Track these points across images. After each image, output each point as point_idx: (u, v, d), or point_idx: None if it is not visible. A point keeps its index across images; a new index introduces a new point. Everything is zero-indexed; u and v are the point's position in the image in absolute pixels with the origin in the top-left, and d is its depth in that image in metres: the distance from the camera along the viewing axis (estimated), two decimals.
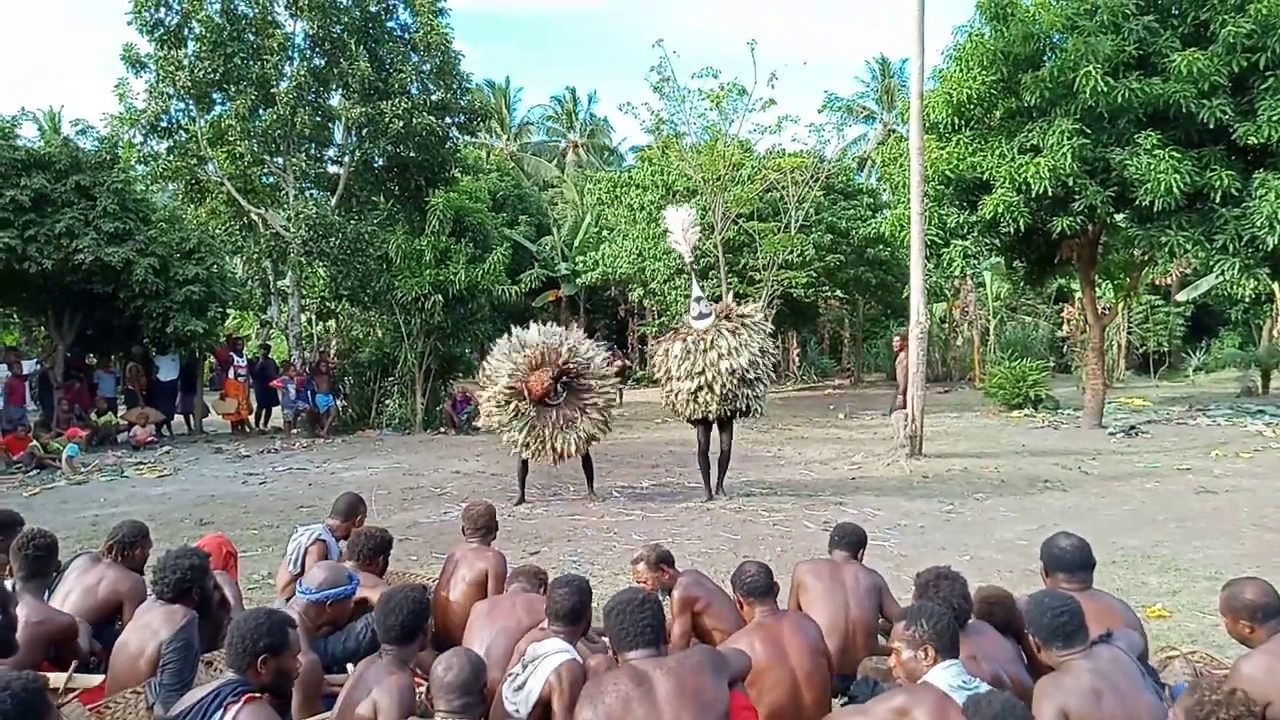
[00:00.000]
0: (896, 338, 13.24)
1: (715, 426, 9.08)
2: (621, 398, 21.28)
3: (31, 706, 2.23)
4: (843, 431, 15.35)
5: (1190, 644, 4.40)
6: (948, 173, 13.68)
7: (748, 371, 8.57)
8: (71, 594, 3.91)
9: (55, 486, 10.86)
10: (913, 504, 8.92)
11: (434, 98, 17.50)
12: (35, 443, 12.28)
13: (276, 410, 17.19)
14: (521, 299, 22.85)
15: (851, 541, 4.25)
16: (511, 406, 8.66)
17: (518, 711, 3.05)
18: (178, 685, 3.02)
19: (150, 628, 3.30)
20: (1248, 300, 23.78)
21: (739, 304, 9.71)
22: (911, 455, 11.66)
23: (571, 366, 8.76)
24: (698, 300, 8.95)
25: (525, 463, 9.09)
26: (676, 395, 8.84)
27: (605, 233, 26.49)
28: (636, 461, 12.01)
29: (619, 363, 22.71)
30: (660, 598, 3.89)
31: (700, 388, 8.62)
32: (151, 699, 3.07)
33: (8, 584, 3.66)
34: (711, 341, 8.59)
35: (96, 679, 3.38)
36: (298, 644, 2.86)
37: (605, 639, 3.23)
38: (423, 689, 3.16)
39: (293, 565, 4.58)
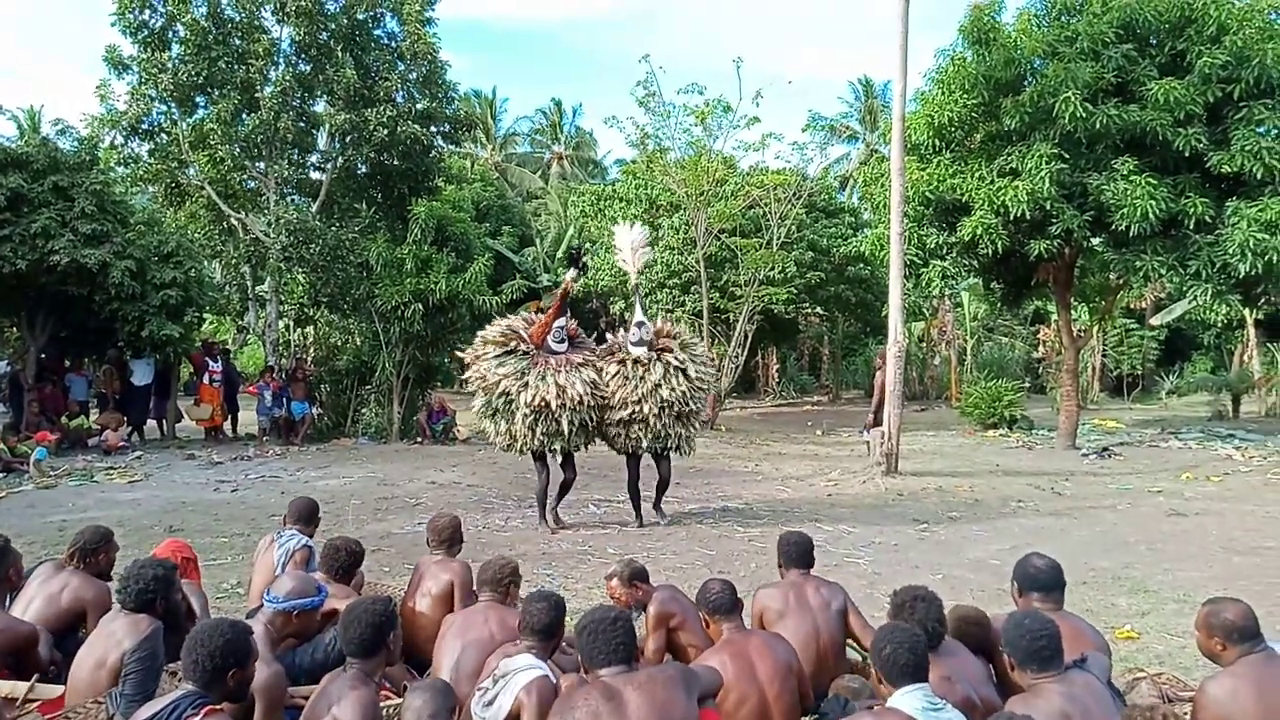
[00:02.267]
0: (879, 356, 13.31)
1: (651, 457, 8.66)
2: None
3: None
4: (820, 448, 15.40)
5: (1158, 666, 4.45)
6: (928, 194, 13.83)
7: (684, 405, 8.19)
8: (34, 602, 3.84)
9: (22, 490, 10.67)
10: (887, 522, 8.96)
11: (419, 106, 17.47)
12: (2, 445, 12.08)
13: (246, 416, 17.03)
14: (503, 309, 22.74)
15: (801, 554, 4.12)
16: (507, 348, 8.19)
17: None
18: (139, 696, 2.97)
19: (114, 637, 3.25)
20: (1220, 326, 24.22)
21: (672, 325, 9.12)
22: (887, 473, 11.71)
23: (575, 332, 8.61)
24: (639, 325, 8.37)
25: (545, 483, 8.52)
26: (607, 425, 8.36)
27: (588, 245, 26.51)
28: (614, 475, 11.94)
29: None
30: (634, 614, 3.87)
31: (634, 419, 8.17)
32: (112, 709, 3.02)
33: None
34: (648, 369, 8.13)
35: (57, 690, 3.31)
36: (256, 650, 2.84)
37: (576, 654, 3.22)
38: (390, 703, 3.13)
39: (280, 570, 4.50)
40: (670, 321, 9.46)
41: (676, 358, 8.24)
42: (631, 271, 9.08)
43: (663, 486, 8.92)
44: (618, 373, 8.22)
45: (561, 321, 8.32)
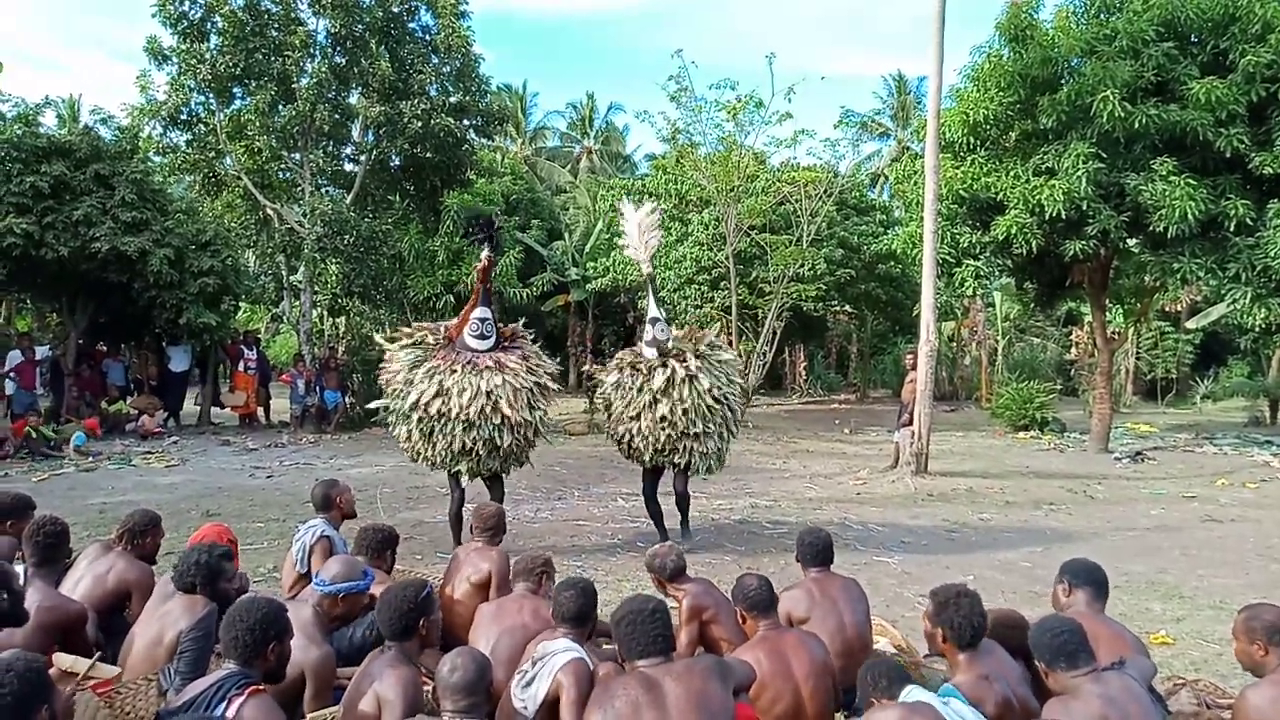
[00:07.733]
0: (909, 355, 13.19)
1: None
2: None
3: (35, 686, 2.25)
4: (848, 447, 15.34)
5: (1194, 672, 4.41)
6: (961, 192, 13.71)
7: (690, 425, 6.96)
8: (83, 581, 3.94)
9: (64, 473, 10.93)
10: (917, 521, 8.92)
11: (453, 100, 17.61)
12: (41, 429, 12.31)
13: (279, 404, 17.26)
14: (532, 302, 22.88)
15: (820, 553, 4.11)
16: (414, 339, 6.98)
17: (525, 709, 3.07)
18: (193, 674, 3.05)
19: (170, 616, 3.34)
20: (1258, 330, 23.66)
21: (703, 331, 7.88)
22: (917, 473, 11.65)
23: (517, 341, 7.17)
24: (653, 322, 7.20)
25: (457, 504, 7.22)
26: (611, 432, 7.46)
27: (616, 239, 26.51)
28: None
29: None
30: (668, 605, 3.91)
31: (630, 434, 7.14)
32: (165, 685, 3.10)
33: (19, 568, 3.68)
34: (647, 381, 7.00)
35: (115, 670, 3.40)
36: (292, 628, 2.91)
37: (612, 645, 3.25)
38: (429, 688, 3.18)
39: (300, 565, 4.59)
40: (694, 326, 8.01)
41: (688, 366, 7.01)
42: (642, 259, 7.60)
43: (681, 504, 7.63)
44: (616, 381, 7.20)
45: (483, 312, 6.82)
